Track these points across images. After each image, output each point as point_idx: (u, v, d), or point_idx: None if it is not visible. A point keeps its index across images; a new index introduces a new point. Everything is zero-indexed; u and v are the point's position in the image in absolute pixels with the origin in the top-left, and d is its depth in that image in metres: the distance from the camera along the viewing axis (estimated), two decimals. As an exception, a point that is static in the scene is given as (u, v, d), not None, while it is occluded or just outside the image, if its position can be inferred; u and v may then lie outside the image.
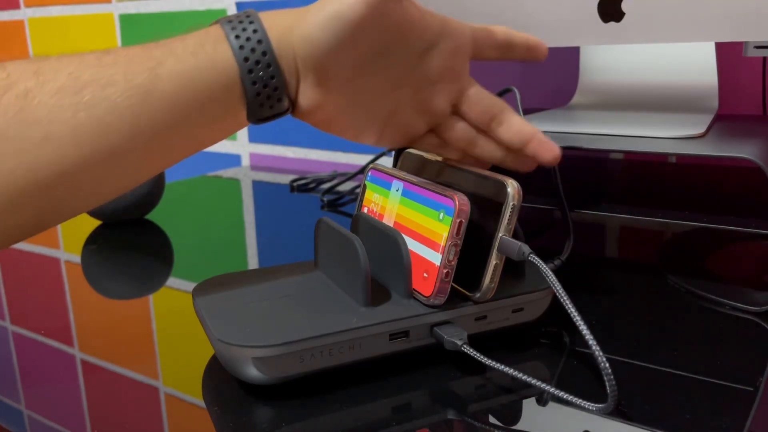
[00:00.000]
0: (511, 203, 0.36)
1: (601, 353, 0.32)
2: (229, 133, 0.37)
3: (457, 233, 0.36)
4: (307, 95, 0.36)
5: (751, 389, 0.34)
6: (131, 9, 1.20)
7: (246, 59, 0.34)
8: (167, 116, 0.33)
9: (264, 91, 0.35)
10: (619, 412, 0.33)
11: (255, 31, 0.35)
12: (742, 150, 0.45)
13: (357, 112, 0.39)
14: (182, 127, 0.34)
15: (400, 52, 0.37)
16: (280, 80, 0.35)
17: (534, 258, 0.35)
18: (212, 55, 0.34)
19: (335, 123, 0.39)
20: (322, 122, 0.39)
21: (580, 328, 0.33)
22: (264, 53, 0.34)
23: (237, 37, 0.34)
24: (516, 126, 0.40)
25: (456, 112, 0.41)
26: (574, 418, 0.32)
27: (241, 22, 0.35)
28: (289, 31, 0.35)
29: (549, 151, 0.40)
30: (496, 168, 0.41)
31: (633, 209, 0.50)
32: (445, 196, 0.37)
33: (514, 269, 0.40)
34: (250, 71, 0.34)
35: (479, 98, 0.40)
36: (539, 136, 0.40)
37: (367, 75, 0.37)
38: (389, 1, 0.35)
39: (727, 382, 0.35)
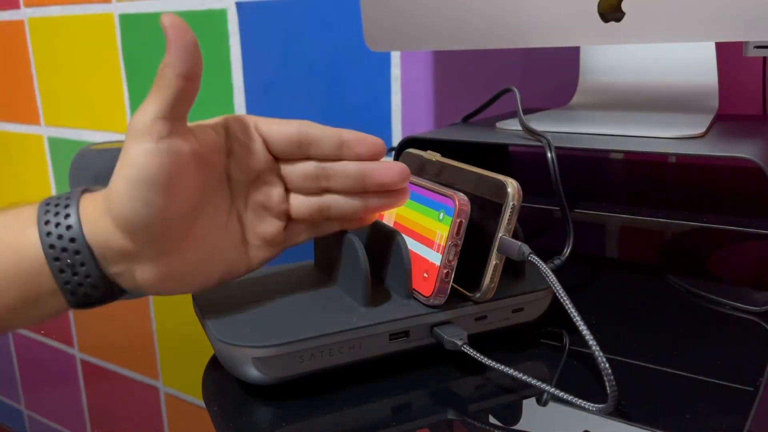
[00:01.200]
0: (511, 203, 0.36)
1: (601, 353, 0.32)
2: (52, 315, 0.34)
3: (457, 233, 0.36)
4: (147, 272, 0.33)
5: (751, 389, 0.34)
6: (131, 9, 1.20)
7: (51, 246, 0.31)
8: None
9: (74, 280, 0.32)
10: (619, 412, 0.33)
11: (67, 215, 0.32)
12: (742, 150, 0.45)
13: (214, 256, 0.35)
14: None
15: (212, 175, 0.35)
16: (92, 267, 0.32)
17: (534, 258, 0.35)
18: (17, 238, 0.32)
19: (196, 279, 0.35)
20: (182, 286, 0.35)
21: (580, 328, 0.33)
22: (72, 239, 0.32)
23: (47, 222, 0.32)
24: (319, 132, 0.37)
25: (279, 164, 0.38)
26: (574, 418, 0.32)
27: (57, 205, 0.33)
28: (105, 210, 0.32)
29: (367, 145, 0.36)
30: (497, 168, 0.41)
31: (633, 209, 0.50)
32: (445, 196, 0.37)
33: (514, 269, 0.40)
34: (57, 259, 0.32)
35: (278, 137, 0.37)
36: (346, 134, 0.36)
37: (200, 217, 0.34)
38: (175, 139, 0.32)
39: (727, 382, 0.35)
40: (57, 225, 0.32)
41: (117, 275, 0.33)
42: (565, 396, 0.32)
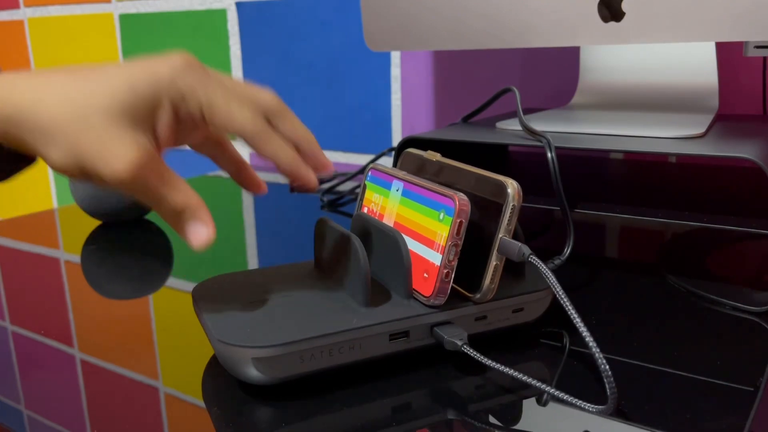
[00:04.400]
0: (511, 204, 0.36)
1: (601, 354, 0.32)
2: None
3: (458, 233, 0.36)
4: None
5: (751, 389, 0.34)
6: (131, 9, 1.20)
7: None
8: None
9: None
10: (619, 413, 0.33)
11: None
12: (742, 150, 0.45)
13: None
14: None
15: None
16: None
17: (534, 259, 0.35)
18: None
19: None
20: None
21: (580, 329, 0.33)
22: None
23: None
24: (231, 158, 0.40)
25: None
26: (574, 419, 0.32)
27: None
28: (22, 129, 0.32)
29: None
30: (497, 168, 0.41)
31: (633, 209, 0.50)
32: (446, 196, 0.37)
33: (514, 269, 0.40)
34: None
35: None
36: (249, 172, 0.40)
37: None
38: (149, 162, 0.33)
39: (727, 382, 0.35)
40: None
41: None
42: (565, 397, 0.32)
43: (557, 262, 0.47)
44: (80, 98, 0.32)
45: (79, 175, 0.33)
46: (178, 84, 0.34)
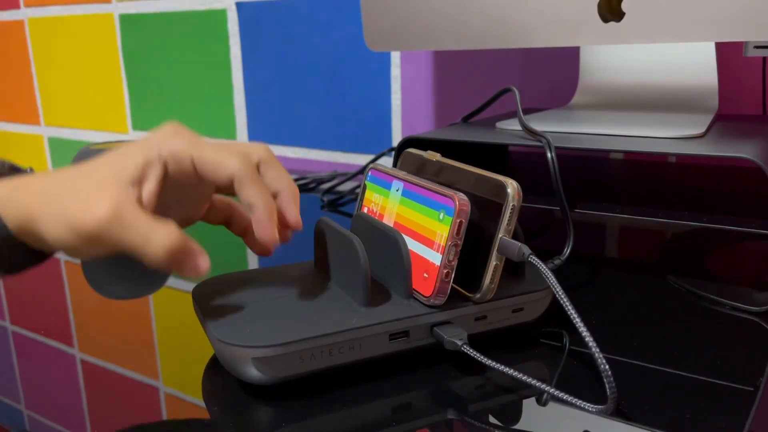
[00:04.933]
0: (511, 204, 0.36)
1: (600, 354, 0.32)
2: None
3: (458, 233, 0.36)
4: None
5: (751, 389, 0.34)
6: (131, 9, 1.20)
7: None
8: None
9: None
10: (619, 412, 0.33)
11: None
12: (742, 150, 0.45)
13: None
14: None
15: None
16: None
17: (534, 259, 0.35)
18: None
19: None
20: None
21: (580, 329, 0.33)
22: None
23: None
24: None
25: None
26: (574, 418, 0.32)
27: None
28: (30, 221, 0.34)
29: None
30: (496, 168, 0.41)
31: (633, 209, 0.50)
32: (446, 196, 0.37)
33: (514, 269, 0.40)
34: None
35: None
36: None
37: None
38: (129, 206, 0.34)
39: (727, 382, 0.35)
40: None
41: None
42: (565, 396, 0.32)
43: (557, 262, 0.47)
44: (80, 176, 0.35)
45: (74, 238, 0.33)
46: (168, 144, 0.35)
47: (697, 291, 0.47)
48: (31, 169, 0.37)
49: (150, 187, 0.35)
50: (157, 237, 0.33)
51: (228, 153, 0.36)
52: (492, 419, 0.33)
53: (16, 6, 1.37)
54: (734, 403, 0.33)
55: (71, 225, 0.33)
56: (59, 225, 0.33)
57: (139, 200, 0.34)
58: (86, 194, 0.33)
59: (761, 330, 0.41)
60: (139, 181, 0.34)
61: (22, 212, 0.34)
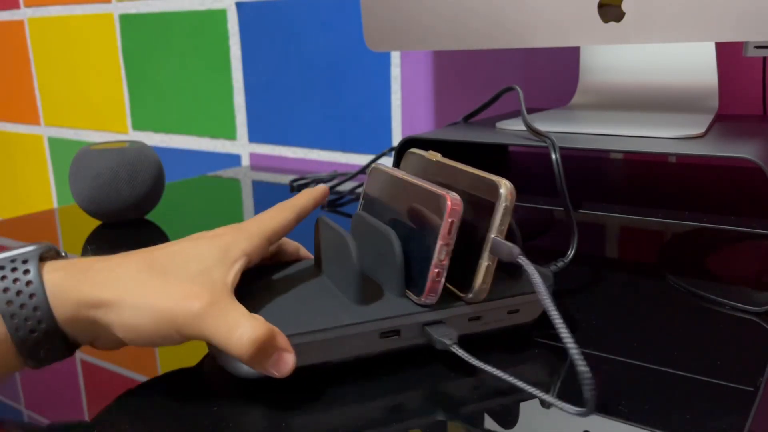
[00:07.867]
0: (503, 204, 0.36)
1: (580, 356, 0.30)
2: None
3: (449, 233, 0.36)
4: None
5: (751, 389, 0.34)
6: (131, 9, 1.20)
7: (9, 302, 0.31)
8: None
9: (25, 325, 0.31)
10: (618, 412, 0.33)
11: (32, 295, 0.31)
12: (742, 150, 0.45)
13: None
14: None
15: None
16: (50, 323, 0.31)
17: (523, 260, 0.35)
18: None
19: None
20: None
21: (561, 333, 0.31)
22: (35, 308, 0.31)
23: (5, 290, 0.31)
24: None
25: None
26: (574, 418, 0.32)
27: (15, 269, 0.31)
28: (91, 307, 0.32)
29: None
30: (496, 169, 0.41)
31: (633, 209, 0.50)
32: (438, 195, 0.37)
33: (511, 270, 0.40)
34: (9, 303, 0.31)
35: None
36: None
37: None
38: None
39: (727, 382, 0.35)
40: (18, 293, 0.31)
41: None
42: (546, 397, 0.31)
43: (560, 264, 0.46)
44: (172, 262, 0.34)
45: (156, 328, 0.32)
46: (241, 244, 0.37)
47: (697, 291, 0.47)
48: (66, 254, 0.36)
49: (233, 281, 0.35)
50: (243, 330, 0.32)
51: (276, 211, 0.41)
52: (484, 420, 0.33)
53: (16, 6, 1.37)
54: (734, 403, 0.33)
55: (160, 315, 0.32)
56: (141, 313, 0.32)
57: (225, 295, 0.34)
58: (180, 286, 0.33)
59: (761, 330, 0.41)
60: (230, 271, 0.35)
61: (86, 297, 0.32)
